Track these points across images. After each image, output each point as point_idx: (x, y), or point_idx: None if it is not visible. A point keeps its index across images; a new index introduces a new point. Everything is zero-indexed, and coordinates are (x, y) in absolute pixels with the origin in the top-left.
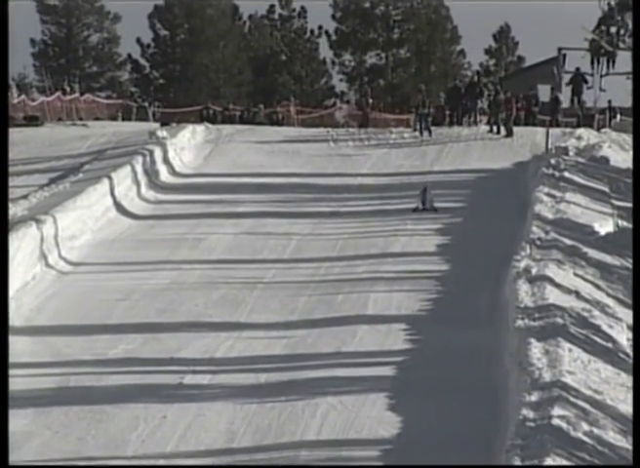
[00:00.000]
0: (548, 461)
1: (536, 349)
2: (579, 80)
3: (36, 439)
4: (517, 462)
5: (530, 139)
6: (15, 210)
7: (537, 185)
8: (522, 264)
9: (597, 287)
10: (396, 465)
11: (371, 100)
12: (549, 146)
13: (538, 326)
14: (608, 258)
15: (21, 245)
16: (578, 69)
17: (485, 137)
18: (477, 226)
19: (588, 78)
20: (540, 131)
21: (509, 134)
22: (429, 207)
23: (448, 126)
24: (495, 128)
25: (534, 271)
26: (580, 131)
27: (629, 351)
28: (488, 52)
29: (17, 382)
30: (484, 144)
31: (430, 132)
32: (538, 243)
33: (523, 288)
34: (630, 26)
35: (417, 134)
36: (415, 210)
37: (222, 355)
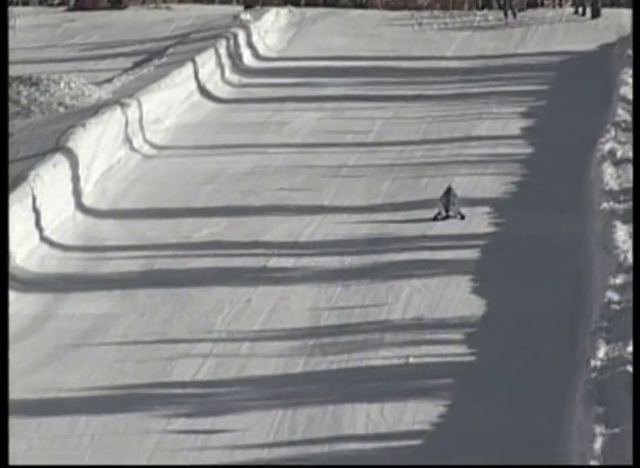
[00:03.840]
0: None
1: (621, 232)
2: None
3: (122, 321)
4: (602, 344)
5: (615, 21)
6: (99, 93)
7: (622, 67)
8: (607, 147)
9: None
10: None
11: None
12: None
13: (623, 208)
14: None
15: (106, 128)
16: None
17: (570, 19)
18: (562, 109)
19: None
20: (626, 12)
21: (595, 15)
22: (454, 213)
23: (532, 8)
24: (580, 9)
25: (619, 154)
26: None
27: None
28: None
29: (103, 266)
30: (569, 26)
31: (515, 14)
32: (623, 125)
33: (608, 171)
34: None
35: (501, 16)
36: (435, 218)
37: (306, 238)
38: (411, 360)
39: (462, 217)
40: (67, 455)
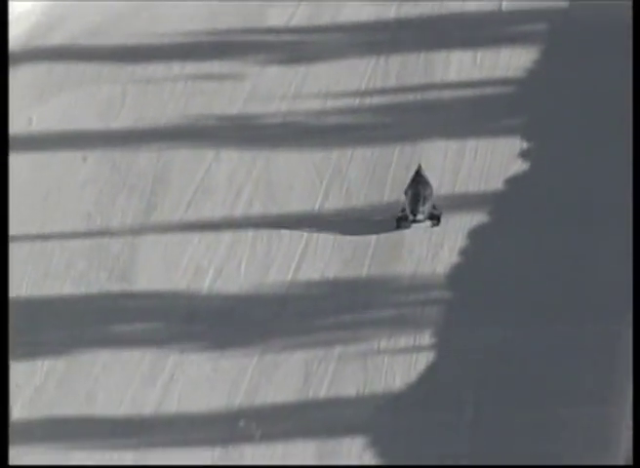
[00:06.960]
0: None
1: None
2: None
3: None
4: None
5: None
6: None
7: None
8: None
9: None
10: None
11: None
12: None
13: None
14: None
15: None
16: None
17: None
18: None
19: None
20: None
21: None
22: (425, 216)
23: None
24: None
25: None
26: None
27: None
28: None
29: None
30: None
31: None
32: None
33: None
34: None
35: None
36: (398, 225)
37: None
38: (504, 4)
39: (436, 222)
40: (162, 102)
